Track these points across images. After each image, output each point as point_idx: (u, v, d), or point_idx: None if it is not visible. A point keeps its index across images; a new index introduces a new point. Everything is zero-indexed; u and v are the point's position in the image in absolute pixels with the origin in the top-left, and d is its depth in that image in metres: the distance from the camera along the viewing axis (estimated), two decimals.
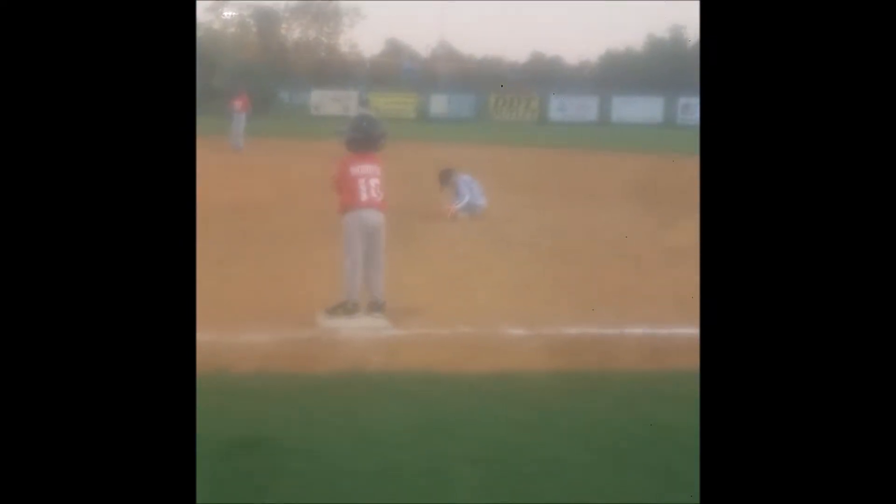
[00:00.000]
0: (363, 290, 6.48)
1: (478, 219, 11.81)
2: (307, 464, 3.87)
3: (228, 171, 17.42)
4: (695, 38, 55.14)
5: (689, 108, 41.22)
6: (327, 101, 45.68)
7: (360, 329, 6.26)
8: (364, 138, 6.62)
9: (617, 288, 7.93)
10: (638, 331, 6.44)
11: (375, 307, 6.48)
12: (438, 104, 46.88)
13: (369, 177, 6.48)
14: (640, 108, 43.71)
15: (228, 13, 65.73)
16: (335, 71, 56.62)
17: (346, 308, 6.41)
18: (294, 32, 70.74)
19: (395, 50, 72.36)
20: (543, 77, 53.11)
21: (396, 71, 60.06)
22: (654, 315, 6.83)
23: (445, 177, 12.43)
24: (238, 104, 23.86)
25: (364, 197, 6.43)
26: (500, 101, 46.39)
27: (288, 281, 7.68)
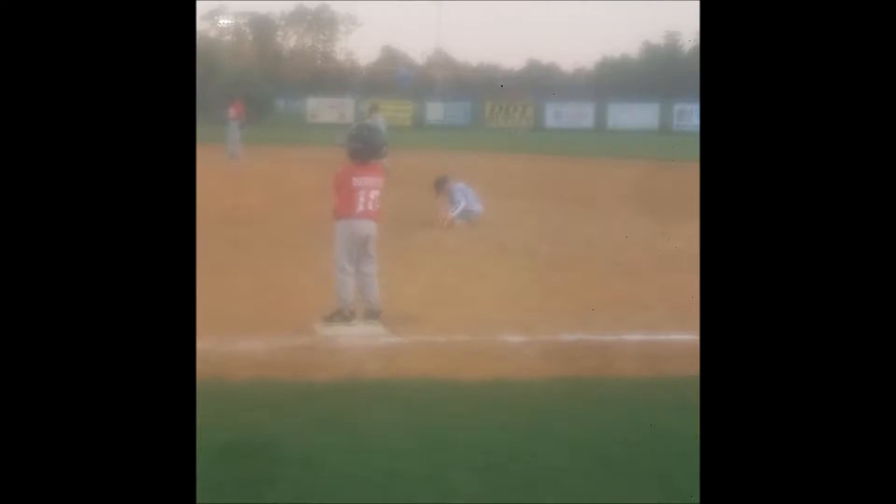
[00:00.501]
0: (359, 299, 6.48)
1: (474, 226, 11.82)
2: (305, 471, 3.87)
3: (225, 179, 17.42)
4: (690, 45, 55.33)
5: (685, 114, 41.34)
6: (324, 109, 45.77)
7: (358, 337, 6.26)
8: (366, 148, 6.60)
9: (614, 294, 7.94)
10: (635, 337, 6.44)
11: (372, 315, 6.50)
12: (434, 111, 46.98)
13: (370, 189, 6.48)
14: (636, 115, 43.83)
15: (225, 21, 65.86)
16: (331, 78, 56.69)
17: (342, 315, 6.42)
18: (290, 40, 70.89)
19: (391, 57, 72.47)
20: (539, 84, 53.19)
21: (392, 78, 60.13)
22: (651, 321, 6.83)
23: (440, 185, 12.45)
24: (233, 112, 23.88)
25: (360, 209, 6.44)
26: (496, 108, 46.49)
27: (285, 288, 7.68)
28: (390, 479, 3.82)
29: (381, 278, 6.57)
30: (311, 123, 42.77)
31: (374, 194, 6.48)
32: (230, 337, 5.97)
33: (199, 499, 2.60)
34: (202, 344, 4.53)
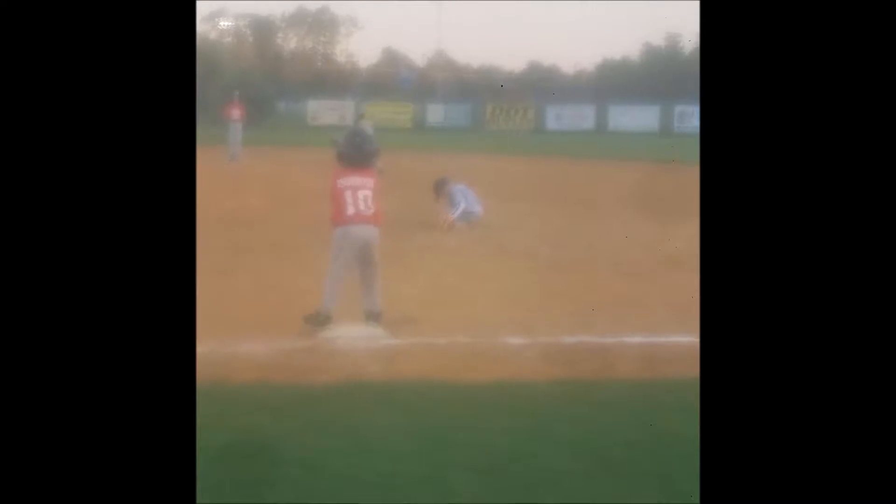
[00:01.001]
0: (361, 300, 6.46)
1: (475, 228, 11.81)
2: (305, 473, 3.87)
3: (226, 180, 17.42)
4: (691, 46, 55.34)
5: (686, 117, 41.34)
6: (324, 111, 45.78)
7: (358, 339, 6.25)
8: (354, 153, 6.58)
9: (614, 296, 7.93)
10: (636, 339, 6.44)
11: (372, 317, 6.46)
12: (435, 113, 46.98)
13: (357, 189, 6.39)
14: (637, 117, 43.83)
15: (225, 23, 65.92)
16: (332, 80, 56.71)
17: (317, 319, 6.32)
18: (291, 42, 70.94)
19: (391, 59, 72.50)
20: (540, 86, 53.21)
21: (393, 80, 60.17)
22: (652, 323, 6.83)
23: (440, 187, 12.43)
24: (234, 113, 23.87)
25: (351, 211, 6.35)
26: (496, 110, 46.49)
27: (286, 291, 7.67)
28: (391, 481, 3.81)
29: (381, 280, 6.55)
30: (311, 125, 42.78)
31: (362, 194, 6.38)
32: (231, 339, 5.96)
33: (199, 499, 2.60)
34: (204, 346, 4.53)
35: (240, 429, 4.36)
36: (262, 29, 67.50)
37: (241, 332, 6.19)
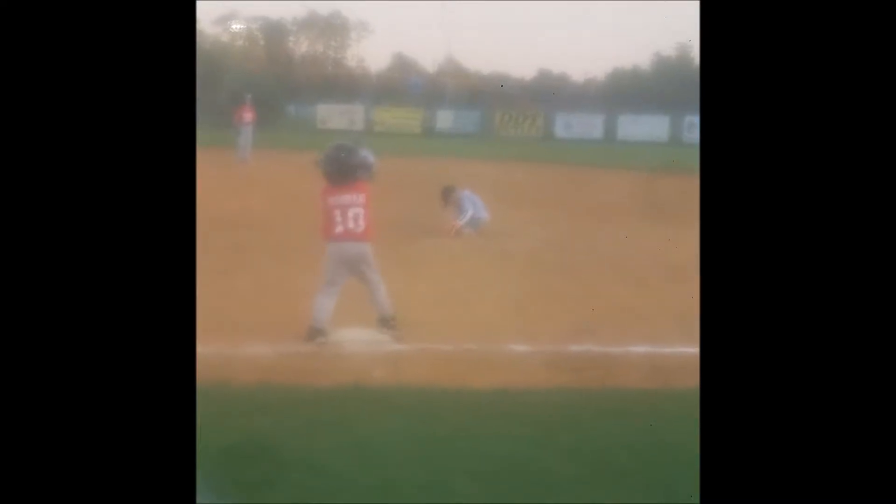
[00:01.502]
0: (371, 308, 6.42)
1: (482, 234, 11.82)
2: (307, 476, 3.87)
3: (235, 183, 17.46)
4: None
5: (695, 127, 41.26)
6: (333, 115, 45.81)
7: (362, 343, 6.25)
8: (339, 170, 6.35)
9: (620, 305, 7.92)
10: (641, 349, 6.43)
11: (385, 324, 6.37)
12: (444, 119, 46.98)
13: (347, 207, 6.24)
14: (646, 127, 43.78)
15: (237, 26, 66.12)
16: (342, 85, 56.77)
17: (310, 334, 6.21)
18: (301, 46, 71.08)
19: (401, 65, 72.57)
20: (549, 94, 53.18)
21: (402, 86, 60.22)
22: (657, 333, 6.82)
23: (448, 194, 12.44)
24: (245, 116, 23.92)
25: (339, 229, 6.22)
26: (505, 117, 46.48)
27: (292, 293, 7.67)
28: (393, 486, 3.81)
29: (386, 285, 6.51)
30: (321, 129, 42.83)
31: (353, 212, 6.23)
32: (236, 341, 5.97)
33: (199, 499, 2.60)
34: (208, 348, 4.52)
35: (241, 430, 4.36)
36: (274, 32, 67.62)
37: (245, 334, 6.20)
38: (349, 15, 72.50)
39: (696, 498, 2.47)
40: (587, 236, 12.39)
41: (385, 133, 39.22)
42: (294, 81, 54.94)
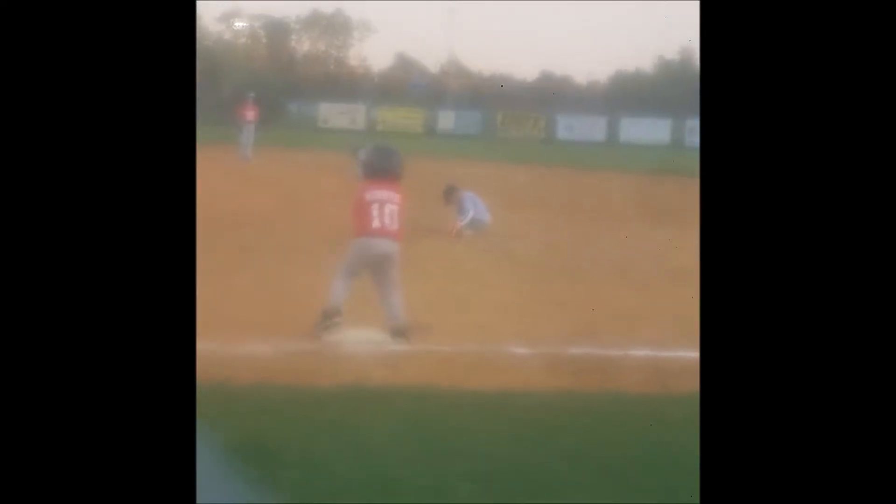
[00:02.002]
0: (384, 317, 6.38)
1: (483, 236, 11.82)
2: (306, 476, 3.86)
3: (237, 180, 17.47)
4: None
5: (697, 131, 41.30)
6: (335, 114, 45.87)
7: (363, 343, 6.25)
8: (376, 165, 6.59)
9: (621, 308, 7.92)
10: (642, 352, 6.42)
11: (398, 333, 6.30)
12: (446, 120, 47.03)
13: (384, 202, 6.36)
14: (648, 130, 43.81)
15: (239, 24, 66.18)
16: (343, 84, 56.81)
17: (326, 314, 6.25)
18: (304, 45, 71.14)
19: (404, 64, 72.63)
20: (551, 96, 53.22)
21: (404, 85, 60.25)
22: (658, 337, 6.81)
23: (449, 194, 12.48)
24: (247, 114, 23.95)
25: (376, 224, 6.30)
26: (507, 118, 46.52)
27: (294, 292, 7.67)
28: (392, 487, 3.80)
29: (403, 297, 6.45)
30: (322, 128, 42.87)
31: (389, 208, 6.35)
32: (237, 340, 5.97)
33: (199, 499, 2.59)
34: (209, 346, 4.50)
35: (241, 430, 4.35)
36: (276, 30, 67.69)
37: (245, 332, 6.19)
38: (352, 14, 72.68)
39: (696, 501, 2.46)
40: (588, 239, 12.40)
41: (386, 133, 39.23)
42: (296, 80, 55.01)
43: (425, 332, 6.36)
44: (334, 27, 71.95)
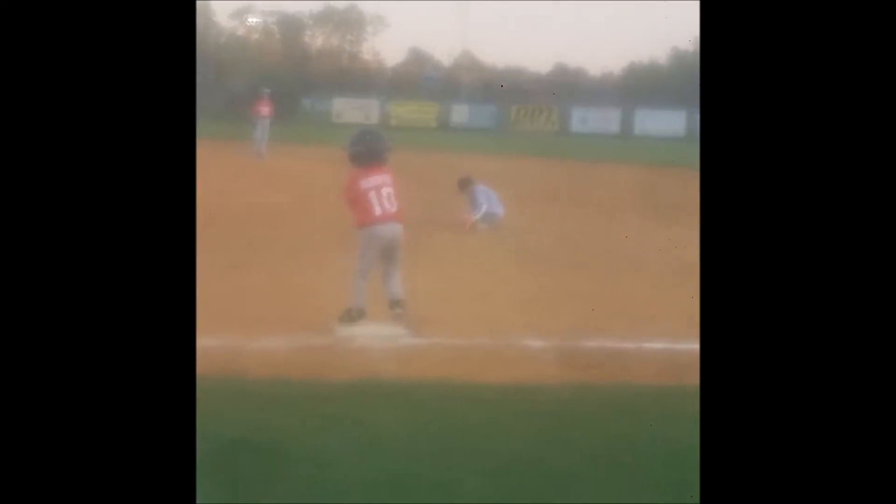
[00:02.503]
0: (382, 291, 6.46)
1: (496, 229, 11.82)
2: (319, 471, 3.87)
3: (251, 176, 17.51)
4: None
5: None
6: (349, 109, 45.86)
7: (376, 338, 6.27)
8: (367, 152, 6.55)
9: (634, 301, 7.90)
10: (655, 345, 6.41)
11: (396, 305, 6.43)
12: (459, 113, 46.94)
13: (380, 187, 6.40)
14: (663, 121, 43.57)
15: (253, 19, 66.27)
16: (357, 79, 56.79)
17: (350, 315, 6.37)
18: (317, 40, 71.15)
19: (417, 59, 72.52)
20: (566, 88, 53.01)
21: (418, 80, 60.18)
22: (671, 329, 6.79)
23: (464, 185, 12.52)
24: (262, 110, 23.97)
25: (378, 211, 6.35)
26: (521, 111, 46.37)
27: (307, 287, 7.70)
28: (404, 482, 3.81)
29: (402, 276, 6.52)
30: (336, 123, 42.86)
31: (385, 192, 6.40)
32: (250, 334, 5.99)
33: (211, 493, 2.61)
34: (222, 341, 4.54)
35: (253, 424, 4.37)
36: (290, 26, 67.70)
37: (260, 327, 6.21)
38: (365, 9, 72.48)
39: (696, 498, 2.47)
40: (602, 232, 12.37)
41: (400, 127, 39.22)
42: (310, 75, 55.02)
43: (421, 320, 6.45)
44: (347, 22, 71.91)
